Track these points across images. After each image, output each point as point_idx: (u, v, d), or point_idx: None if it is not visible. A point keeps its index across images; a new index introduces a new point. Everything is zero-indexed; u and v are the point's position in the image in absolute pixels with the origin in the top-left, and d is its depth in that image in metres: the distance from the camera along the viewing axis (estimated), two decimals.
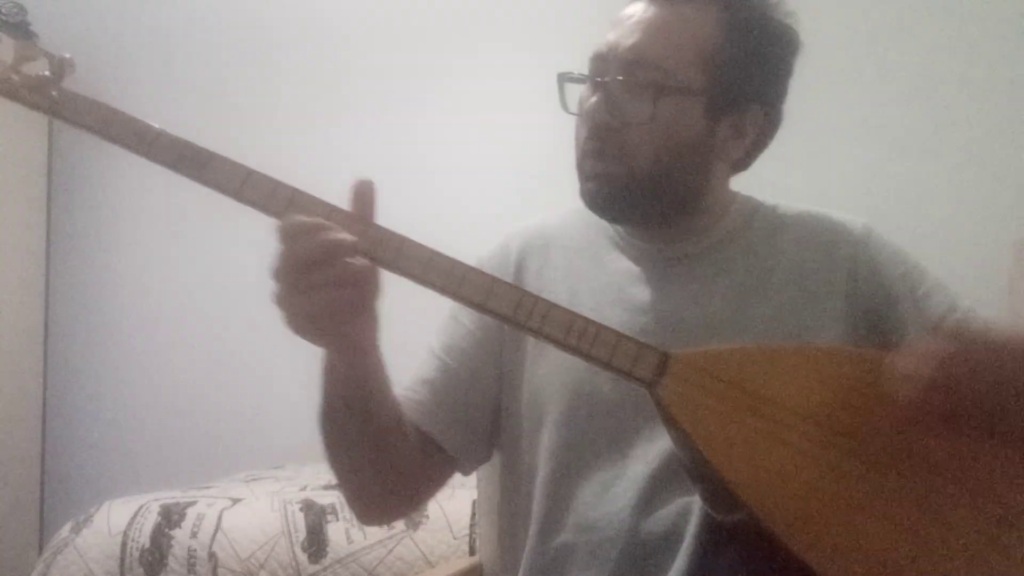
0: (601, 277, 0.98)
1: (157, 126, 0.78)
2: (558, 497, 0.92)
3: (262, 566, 1.68)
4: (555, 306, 0.76)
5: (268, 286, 0.72)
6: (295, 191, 0.77)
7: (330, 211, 0.76)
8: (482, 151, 2.56)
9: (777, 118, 0.98)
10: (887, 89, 2.25)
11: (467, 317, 1.00)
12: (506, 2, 2.56)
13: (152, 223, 2.81)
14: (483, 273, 0.77)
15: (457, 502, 1.76)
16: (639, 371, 0.75)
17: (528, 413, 0.96)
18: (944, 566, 0.72)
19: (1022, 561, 0.73)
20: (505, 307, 0.75)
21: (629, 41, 0.90)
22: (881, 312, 0.92)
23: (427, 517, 1.73)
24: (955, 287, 0.95)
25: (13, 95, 0.78)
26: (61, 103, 0.78)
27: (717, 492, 0.78)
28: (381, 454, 0.89)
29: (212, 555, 1.70)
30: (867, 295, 0.93)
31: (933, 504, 0.73)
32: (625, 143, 0.90)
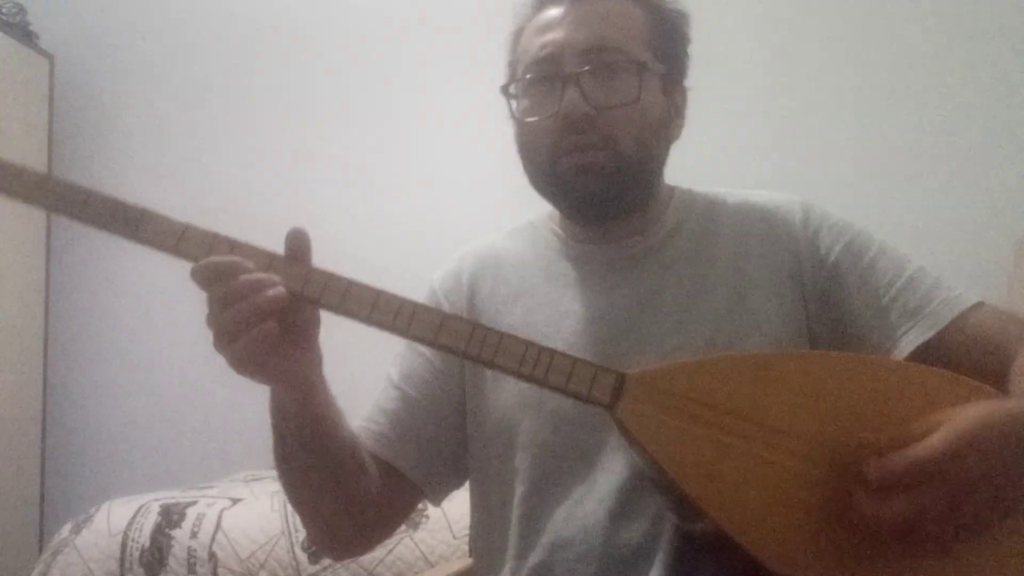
0: (554, 290, 0.97)
1: (84, 186, 0.77)
2: (532, 518, 0.90)
3: (262, 566, 1.68)
4: (507, 336, 0.76)
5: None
6: (234, 243, 0.76)
7: (271, 259, 0.76)
8: (468, 156, 2.56)
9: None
10: (887, 88, 2.25)
11: (425, 347, 0.97)
12: (488, 9, 2.56)
13: None
14: (432, 309, 0.77)
15: (457, 502, 1.74)
16: (596, 395, 0.75)
17: (495, 437, 0.94)
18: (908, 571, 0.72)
19: (988, 567, 0.72)
20: (457, 341, 0.75)
21: (581, 34, 0.90)
22: (829, 288, 0.91)
23: (427, 517, 1.73)
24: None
25: None
26: None
27: (682, 505, 0.78)
28: (338, 487, 0.88)
29: (212, 555, 1.70)
30: (812, 272, 0.92)
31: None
32: (609, 128, 0.89)
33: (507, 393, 0.93)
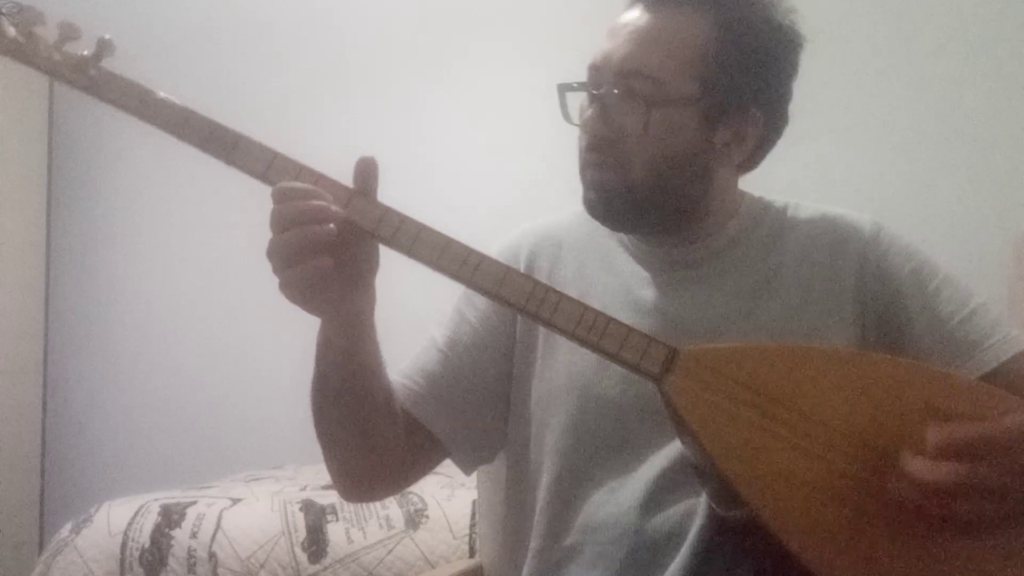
0: (610, 280, 0.98)
1: (187, 106, 0.80)
2: (566, 499, 0.92)
3: (262, 566, 1.68)
4: (566, 297, 0.77)
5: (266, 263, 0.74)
6: (320, 176, 0.78)
7: (350, 196, 0.77)
8: (484, 149, 2.56)
9: (781, 119, 0.97)
10: (888, 87, 2.25)
11: (473, 314, 0.99)
12: (510, 1, 2.56)
13: (152, 223, 2.81)
14: (497, 262, 0.78)
15: (457, 502, 1.76)
16: (647, 365, 0.76)
17: (536, 415, 0.96)
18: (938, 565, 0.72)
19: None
20: (517, 296, 0.77)
21: (622, 52, 0.90)
22: (890, 311, 0.92)
23: (427, 517, 1.73)
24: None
25: (54, 73, 0.80)
26: (99, 82, 0.80)
27: (720, 489, 0.78)
28: (367, 430, 0.90)
29: (212, 555, 1.70)
30: (875, 293, 0.92)
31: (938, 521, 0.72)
32: (621, 154, 0.90)
33: (555, 373, 0.94)
